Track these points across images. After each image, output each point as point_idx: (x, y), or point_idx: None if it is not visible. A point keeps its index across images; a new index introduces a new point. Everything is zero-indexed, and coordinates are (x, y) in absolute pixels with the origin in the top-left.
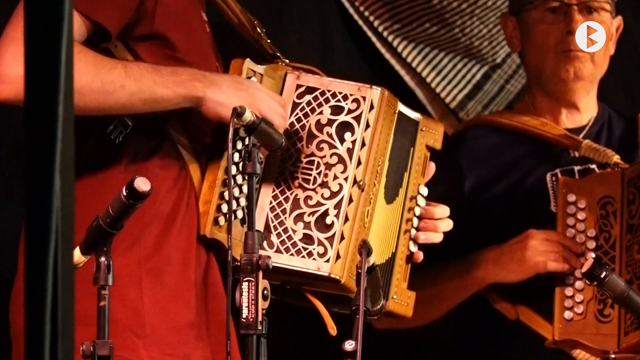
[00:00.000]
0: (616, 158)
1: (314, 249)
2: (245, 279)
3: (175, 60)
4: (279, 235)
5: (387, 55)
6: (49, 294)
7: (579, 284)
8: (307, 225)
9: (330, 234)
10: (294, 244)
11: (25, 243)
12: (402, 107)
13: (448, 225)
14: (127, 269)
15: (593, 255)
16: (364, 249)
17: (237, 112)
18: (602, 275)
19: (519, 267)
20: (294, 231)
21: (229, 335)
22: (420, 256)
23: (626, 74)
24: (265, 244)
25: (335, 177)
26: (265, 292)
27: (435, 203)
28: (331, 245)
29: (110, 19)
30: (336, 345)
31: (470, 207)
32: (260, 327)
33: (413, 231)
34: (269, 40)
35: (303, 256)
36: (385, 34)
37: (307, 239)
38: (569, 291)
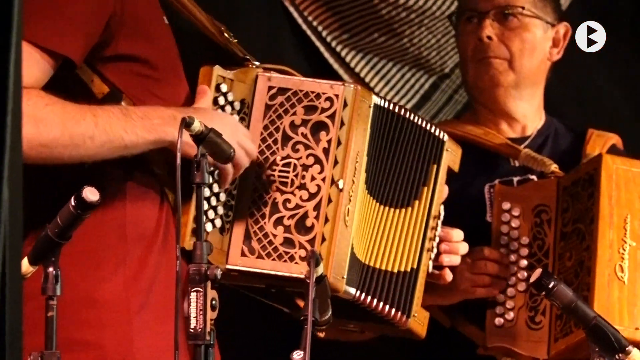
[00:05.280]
0: (554, 167)
1: (295, 253)
2: (193, 289)
3: (142, 76)
4: (259, 240)
5: (336, 66)
6: None
7: (510, 291)
8: (287, 229)
9: (311, 236)
10: (275, 249)
11: None
12: (377, 100)
13: (465, 248)
14: (114, 293)
15: (525, 262)
16: (312, 259)
17: (186, 122)
18: (551, 285)
19: (449, 294)
20: (274, 235)
21: (176, 345)
22: (449, 277)
23: (576, 85)
24: (246, 250)
25: (313, 178)
26: (213, 302)
27: (449, 227)
28: (313, 248)
29: (75, 49)
30: (284, 356)
31: None
32: (208, 338)
33: (435, 251)
34: (235, 41)
35: (285, 260)
36: (333, 44)
37: (288, 242)
38: (500, 298)
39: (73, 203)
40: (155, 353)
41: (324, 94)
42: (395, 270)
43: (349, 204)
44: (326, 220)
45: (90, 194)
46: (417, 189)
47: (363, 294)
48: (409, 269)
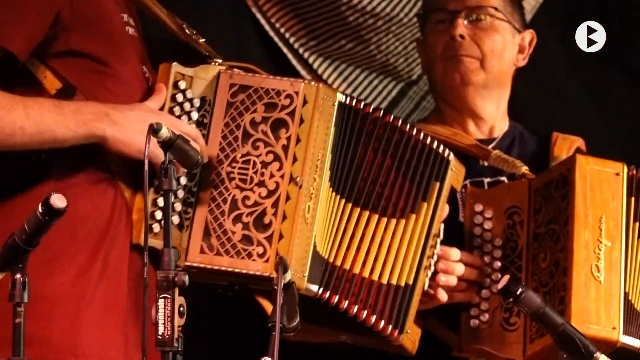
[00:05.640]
0: (524, 169)
1: (253, 250)
2: (161, 296)
3: (96, 73)
4: (218, 237)
5: (303, 73)
6: None
7: (484, 292)
8: (245, 226)
9: (268, 233)
10: (234, 246)
11: None
12: (342, 98)
13: (461, 269)
14: (62, 288)
15: (499, 264)
16: (280, 265)
17: (154, 129)
18: (518, 292)
19: (427, 300)
20: (233, 232)
21: (144, 352)
22: (444, 298)
23: (543, 91)
24: (205, 247)
25: (272, 176)
26: (181, 309)
27: (447, 246)
28: (270, 245)
29: (18, 43)
30: None
31: None
32: (176, 344)
33: (432, 269)
34: (202, 40)
35: (243, 257)
36: (301, 50)
37: (247, 239)
38: (474, 299)
39: (40, 210)
40: (103, 347)
41: (284, 91)
42: (385, 282)
43: (309, 202)
44: (284, 217)
45: (58, 200)
46: (415, 203)
47: (328, 293)
48: (403, 284)
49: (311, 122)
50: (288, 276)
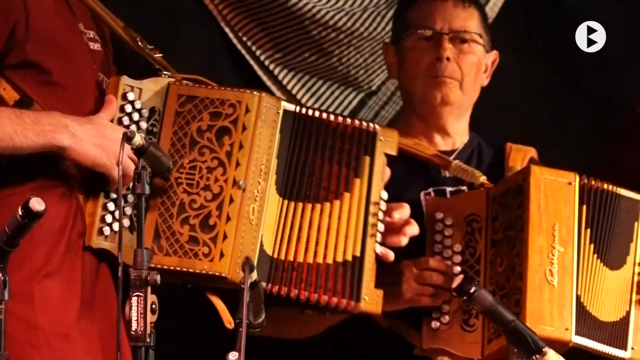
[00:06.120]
0: (483, 179)
1: (199, 250)
2: (134, 294)
3: (51, 85)
4: (167, 239)
5: (269, 83)
6: None
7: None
8: (192, 228)
9: (213, 234)
10: (182, 247)
11: None
12: (289, 106)
13: (413, 230)
14: (19, 285)
15: (458, 268)
16: (247, 265)
17: (127, 136)
18: (472, 291)
19: (395, 301)
20: (181, 234)
21: (118, 347)
22: (390, 256)
23: (499, 106)
24: (155, 248)
25: (216, 180)
26: (153, 306)
27: (396, 204)
28: (215, 245)
29: None
30: (220, 357)
31: None
32: (148, 340)
33: (379, 234)
34: (158, 55)
35: (190, 257)
36: (266, 62)
37: (193, 240)
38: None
39: (20, 212)
40: (60, 342)
41: (227, 100)
42: (331, 261)
43: (254, 204)
44: (228, 219)
45: (37, 203)
46: (347, 181)
47: (277, 286)
48: (350, 258)
49: (254, 130)
50: (254, 275)
